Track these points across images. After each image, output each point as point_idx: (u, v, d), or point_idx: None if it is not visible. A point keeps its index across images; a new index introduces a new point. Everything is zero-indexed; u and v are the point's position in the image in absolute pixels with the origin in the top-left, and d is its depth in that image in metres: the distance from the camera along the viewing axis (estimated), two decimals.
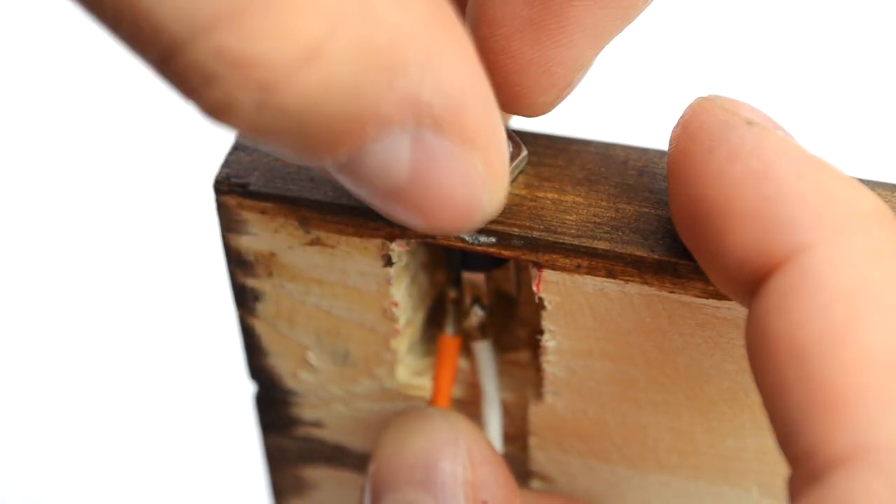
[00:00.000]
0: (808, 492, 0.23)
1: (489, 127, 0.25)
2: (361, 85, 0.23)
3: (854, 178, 0.26)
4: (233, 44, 0.22)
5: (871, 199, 0.25)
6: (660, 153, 0.30)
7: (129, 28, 0.22)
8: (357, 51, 0.22)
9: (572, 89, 0.29)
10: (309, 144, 0.23)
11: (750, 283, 0.25)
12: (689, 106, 0.27)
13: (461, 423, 0.30)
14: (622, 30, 0.28)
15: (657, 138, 0.30)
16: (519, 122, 0.32)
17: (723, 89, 0.28)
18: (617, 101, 0.55)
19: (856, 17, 0.67)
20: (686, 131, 0.27)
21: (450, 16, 0.24)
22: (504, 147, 0.26)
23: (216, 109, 0.23)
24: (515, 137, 0.30)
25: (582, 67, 0.28)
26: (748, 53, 0.66)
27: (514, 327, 0.33)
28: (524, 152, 0.29)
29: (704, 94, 0.27)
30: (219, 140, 0.37)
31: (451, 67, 0.24)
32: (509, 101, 0.28)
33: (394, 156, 0.24)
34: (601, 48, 0.28)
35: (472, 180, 0.25)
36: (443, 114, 0.24)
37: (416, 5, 0.24)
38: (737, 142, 0.26)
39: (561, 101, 0.29)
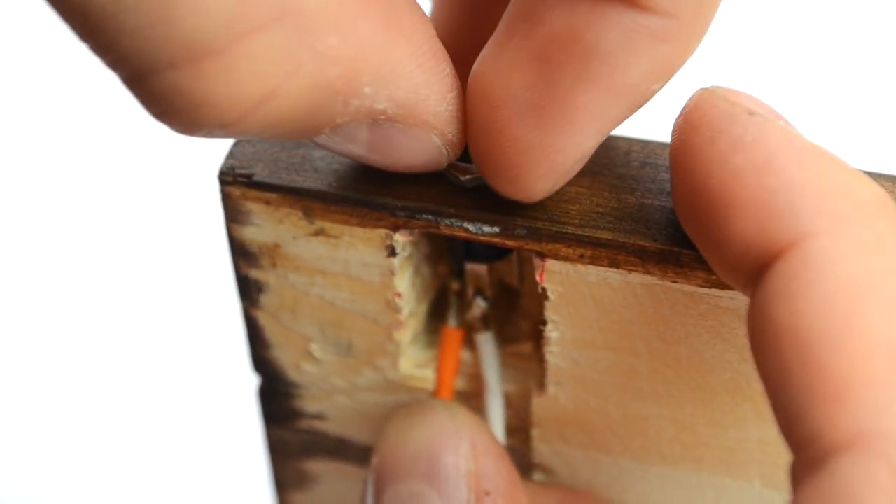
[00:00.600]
0: (810, 478, 0.23)
1: (444, 113, 0.27)
2: (316, 111, 0.25)
3: (856, 168, 0.26)
4: (188, 85, 0.23)
5: (873, 189, 0.25)
6: (662, 145, 0.30)
7: (96, 47, 0.23)
8: (311, 88, 0.24)
9: (569, 177, 0.28)
10: (274, 137, 0.26)
11: (752, 272, 0.25)
12: (692, 97, 0.27)
13: (463, 415, 0.30)
14: (627, 117, 0.27)
15: (659, 130, 0.30)
16: None
17: (725, 81, 0.28)
18: None
19: (857, 10, 0.67)
20: (688, 122, 0.27)
21: (405, 25, 0.26)
22: (457, 116, 0.27)
23: (180, 130, 0.24)
24: None
25: (583, 156, 0.28)
26: (751, 46, 0.66)
27: (517, 320, 0.33)
28: None
29: (706, 86, 0.28)
30: (222, 144, 0.38)
31: (405, 80, 0.26)
32: (505, 183, 0.28)
33: (352, 136, 0.27)
34: (604, 135, 0.28)
35: (429, 150, 0.28)
36: (396, 114, 0.26)
37: (371, 30, 0.25)
38: (739, 132, 0.26)
39: (557, 188, 0.29)
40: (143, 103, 0.24)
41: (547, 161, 0.27)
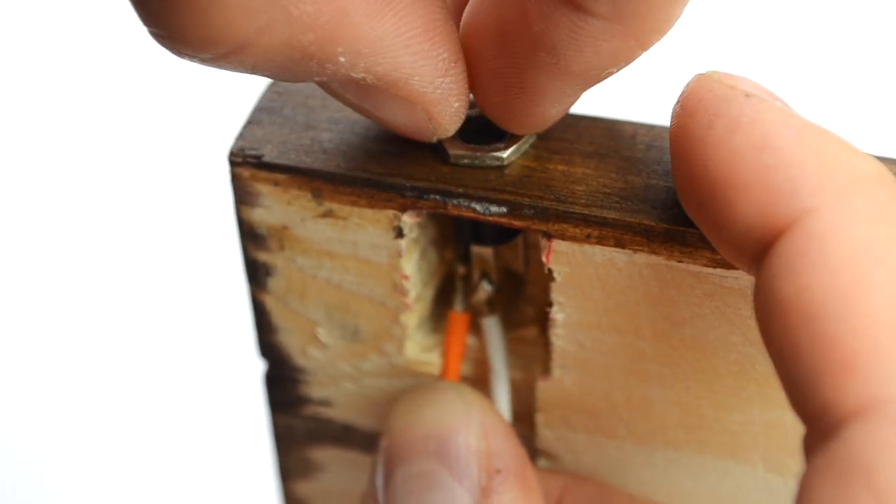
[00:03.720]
0: (823, 448, 0.23)
1: (431, 94, 0.28)
2: (291, 66, 0.26)
3: (854, 145, 0.26)
4: (169, 18, 0.25)
5: (872, 163, 0.25)
6: (667, 129, 0.30)
7: None
8: (283, 46, 0.25)
9: (555, 120, 0.29)
10: (264, 76, 0.27)
11: (756, 250, 0.26)
12: (688, 83, 0.28)
13: (473, 396, 0.31)
14: (583, 93, 0.28)
15: (665, 115, 0.31)
16: None
17: (727, 66, 0.29)
18: (624, 79, 0.55)
19: (857, 5, 0.68)
20: (685, 107, 0.27)
21: (398, 3, 0.26)
22: (448, 100, 0.28)
23: (171, 52, 0.26)
24: None
25: (551, 118, 0.29)
26: (754, 30, 0.66)
27: (522, 305, 0.34)
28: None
29: (703, 71, 0.28)
30: (232, 114, 0.38)
31: (386, 56, 0.27)
32: (494, 119, 0.30)
33: (342, 88, 0.28)
34: (567, 106, 0.29)
35: (416, 120, 0.29)
36: (377, 84, 0.27)
37: (353, 3, 0.26)
38: (735, 114, 0.26)
39: (545, 126, 0.30)
40: (141, 21, 0.25)
41: (518, 116, 0.29)
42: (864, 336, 0.23)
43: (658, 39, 0.26)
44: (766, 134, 0.26)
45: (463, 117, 0.29)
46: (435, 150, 0.30)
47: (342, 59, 0.26)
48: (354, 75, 0.27)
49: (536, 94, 0.28)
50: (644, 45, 0.26)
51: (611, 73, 0.27)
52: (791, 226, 0.25)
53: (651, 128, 0.31)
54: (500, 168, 0.29)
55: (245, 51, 0.25)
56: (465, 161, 0.30)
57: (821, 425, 0.24)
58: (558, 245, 0.29)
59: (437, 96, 0.28)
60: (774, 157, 0.25)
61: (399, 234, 0.30)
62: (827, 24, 0.67)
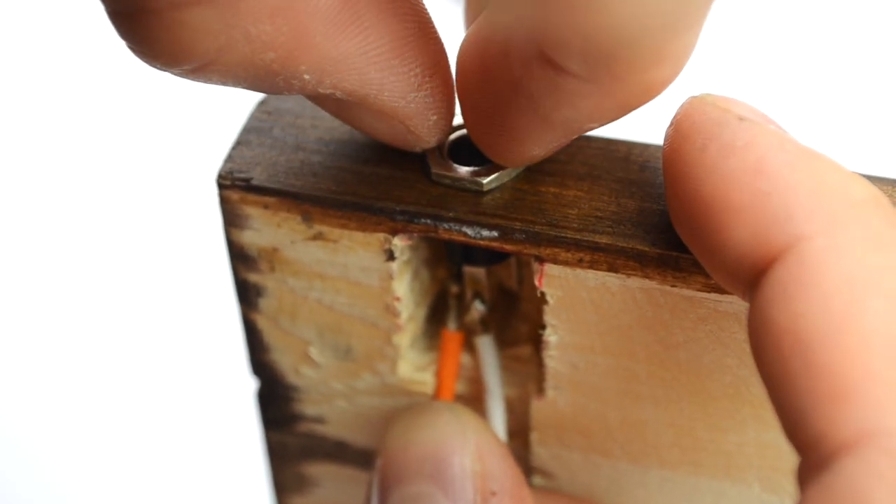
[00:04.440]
0: (816, 479, 0.23)
1: (405, 108, 0.28)
2: (258, 81, 0.26)
3: (849, 169, 0.26)
4: (139, 33, 0.25)
5: (867, 188, 0.25)
6: (661, 149, 0.30)
7: None
8: (246, 64, 0.26)
9: (540, 159, 0.29)
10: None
11: (750, 276, 0.25)
12: (682, 105, 0.27)
13: (468, 416, 0.30)
14: (566, 142, 0.28)
15: (658, 134, 0.30)
16: None
17: (723, 86, 0.28)
18: None
19: (856, 15, 0.67)
20: (678, 130, 0.27)
21: (365, 20, 0.26)
22: (424, 113, 0.28)
23: (148, 64, 0.26)
24: None
25: (535, 158, 0.29)
26: (750, 50, 0.66)
27: (516, 323, 0.33)
28: None
29: (697, 94, 0.28)
30: (221, 135, 0.38)
31: (352, 74, 0.27)
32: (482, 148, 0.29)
33: (320, 101, 0.29)
34: (552, 150, 0.28)
35: (394, 132, 0.29)
36: (348, 98, 0.27)
37: (313, 23, 0.26)
38: (729, 138, 0.26)
39: (530, 163, 0.29)
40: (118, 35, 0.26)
41: (503, 153, 0.29)
42: (857, 365, 0.23)
43: (643, 103, 0.25)
44: (761, 158, 0.25)
45: (446, 128, 0.29)
46: (424, 170, 0.30)
47: (307, 77, 0.26)
48: (322, 91, 0.27)
49: (518, 136, 0.27)
50: (626, 108, 0.25)
51: (593, 128, 0.27)
52: (785, 252, 0.25)
53: (645, 147, 0.30)
54: (480, 193, 0.29)
55: (210, 67, 0.25)
56: (447, 182, 0.29)
57: (814, 456, 0.23)
58: (551, 269, 0.29)
59: (412, 110, 0.28)
60: (768, 183, 0.25)
61: (390, 256, 0.30)
62: (819, 45, 0.66)
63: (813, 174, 0.25)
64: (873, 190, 0.25)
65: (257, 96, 0.32)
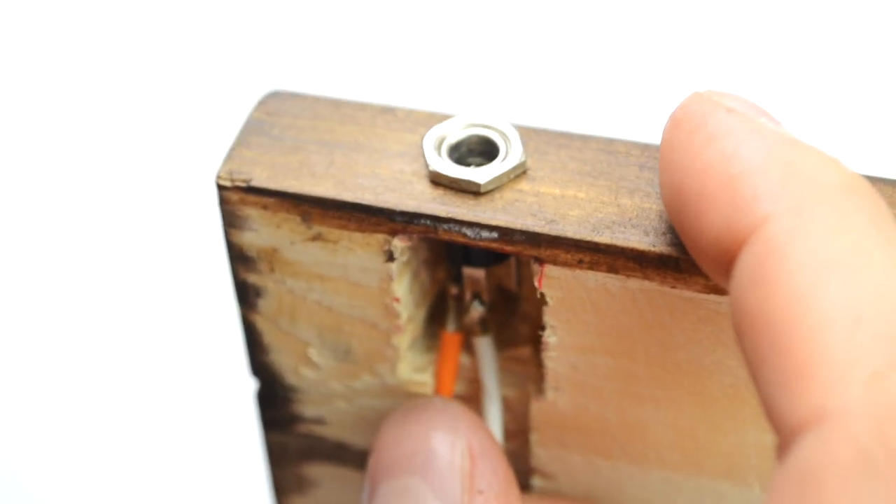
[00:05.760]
0: (782, 461, 0.23)
1: None
2: None
3: (834, 157, 0.25)
4: None
5: (843, 175, 0.25)
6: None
7: None
8: None
9: None
10: None
11: (726, 263, 0.25)
12: (681, 101, 0.27)
13: (462, 413, 0.30)
14: None
15: (659, 135, 0.30)
16: (520, 118, 0.32)
17: (725, 85, 0.28)
18: (619, 98, 0.55)
19: (856, 17, 0.67)
20: (673, 121, 0.27)
21: None
22: None
23: None
24: (516, 141, 0.30)
25: None
26: (752, 49, 0.65)
27: (516, 323, 0.33)
28: (522, 159, 0.29)
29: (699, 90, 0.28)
30: (221, 136, 0.37)
31: None
32: None
33: None
34: None
35: None
36: None
37: None
38: (713, 127, 0.26)
39: None
40: None
41: None
42: (815, 344, 0.23)
43: None
44: (737, 145, 0.25)
45: None
46: (423, 170, 0.30)
47: None
48: None
49: None
50: None
51: None
52: (752, 234, 0.25)
53: (645, 147, 0.30)
54: (480, 193, 0.29)
55: None
56: (446, 182, 0.29)
57: (781, 437, 0.23)
58: (550, 270, 0.29)
59: None
60: (740, 167, 0.25)
61: (390, 257, 0.30)
62: (821, 46, 0.66)
63: (785, 159, 0.25)
64: (849, 177, 0.25)
65: (257, 96, 0.32)
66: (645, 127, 0.33)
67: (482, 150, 0.30)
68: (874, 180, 0.29)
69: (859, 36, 0.66)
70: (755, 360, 0.24)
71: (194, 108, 0.65)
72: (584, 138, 0.30)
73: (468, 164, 0.30)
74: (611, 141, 0.30)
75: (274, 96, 0.32)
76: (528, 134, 0.30)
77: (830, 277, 0.23)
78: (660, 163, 0.27)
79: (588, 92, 0.58)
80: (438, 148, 0.30)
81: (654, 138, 0.30)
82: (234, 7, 0.69)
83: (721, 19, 0.65)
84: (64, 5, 0.69)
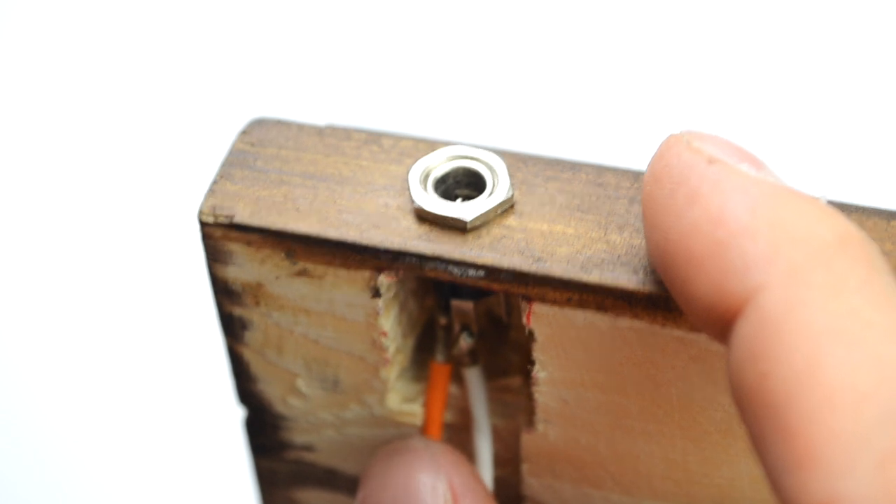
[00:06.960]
0: None
1: None
2: None
3: (825, 204, 0.25)
4: None
5: (836, 228, 0.24)
6: None
7: None
8: None
9: None
10: None
11: (720, 327, 0.24)
12: (660, 145, 0.26)
13: (444, 454, 0.30)
14: None
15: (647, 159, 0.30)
16: (509, 143, 0.31)
17: (716, 107, 0.28)
18: (612, 118, 0.54)
19: (854, 25, 0.66)
20: (653, 174, 0.26)
21: None
22: None
23: None
24: (503, 173, 0.29)
25: None
26: (742, 73, 0.64)
27: (506, 352, 0.33)
28: (509, 194, 0.29)
29: (676, 131, 0.27)
30: (204, 168, 0.37)
31: None
32: None
33: None
34: None
35: None
36: None
37: None
38: (696, 183, 0.25)
39: None
40: None
41: None
42: (821, 426, 0.22)
43: None
44: (722, 205, 0.24)
45: None
46: (408, 205, 0.29)
47: None
48: None
49: None
50: None
51: None
52: (745, 305, 0.24)
53: (636, 177, 0.30)
54: (466, 230, 0.28)
55: None
56: (432, 217, 0.29)
57: None
58: (539, 307, 0.28)
59: None
60: (727, 231, 0.24)
61: (376, 293, 0.29)
62: (816, 68, 0.65)
63: (774, 218, 0.24)
64: (844, 229, 0.24)
65: (241, 122, 0.31)
66: (638, 137, 0.32)
67: (469, 181, 0.30)
68: (863, 210, 0.28)
69: (847, 51, 0.66)
70: (758, 437, 0.23)
71: (180, 130, 0.65)
72: (574, 168, 0.30)
73: (455, 197, 0.29)
74: (601, 171, 0.30)
75: (258, 124, 0.31)
76: (515, 164, 0.30)
77: (830, 351, 0.22)
78: (643, 220, 0.26)
79: (578, 109, 0.57)
80: (424, 181, 0.29)
81: (644, 160, 0.30)
82: (220, 29, 0.68)
83: (710, 37, 0.64)
84: (48, 32, 0.68)
